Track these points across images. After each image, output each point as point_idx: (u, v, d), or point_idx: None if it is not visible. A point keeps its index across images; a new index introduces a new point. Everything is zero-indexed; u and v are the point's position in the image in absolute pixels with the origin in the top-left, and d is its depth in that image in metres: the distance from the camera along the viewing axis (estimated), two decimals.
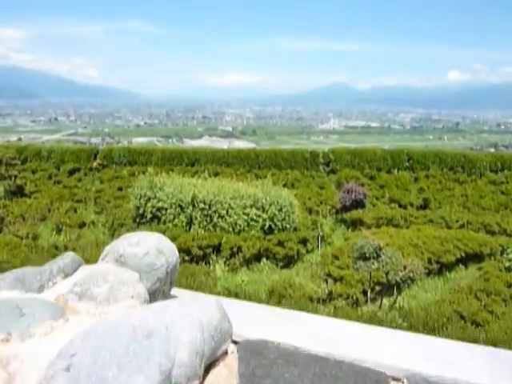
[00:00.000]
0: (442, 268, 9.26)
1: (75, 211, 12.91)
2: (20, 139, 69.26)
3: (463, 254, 9.60)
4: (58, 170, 16.52)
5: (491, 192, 15.07)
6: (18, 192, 13.88)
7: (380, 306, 6.99)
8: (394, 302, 6.95)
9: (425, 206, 14.32)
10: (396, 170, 16.61)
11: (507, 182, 15.81)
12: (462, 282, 8.43)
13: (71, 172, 16.28)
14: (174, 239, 9.64)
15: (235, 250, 9.74)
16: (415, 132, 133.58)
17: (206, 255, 9.72)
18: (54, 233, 11.29)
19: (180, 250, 9.50)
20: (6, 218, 11.34)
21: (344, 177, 15.42)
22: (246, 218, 10.44)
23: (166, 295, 2.22)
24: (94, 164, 16.37)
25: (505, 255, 8.72)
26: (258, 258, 9.79)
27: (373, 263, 6.41)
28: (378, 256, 6.44)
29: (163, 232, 9.88)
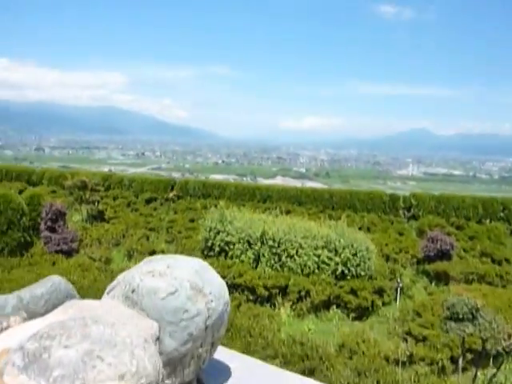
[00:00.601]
0: None
1: (147, 239, 13.15)
2: (110, 170, 75.44)
3: None
4: (137, 198, 17.25)
5: None
6: (99, 217, 14.57)
7: (474, 380, 5.82)
8: (494, 375, 5.74)
9: None
10: (488, 221, 14.88)
11: None
12: None
13: (148, 201, 16.89)
14: (239, 275, 9.23)
15: (303, 293, 9.04)
16: (505, 182, 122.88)
17: (272, 296, 9.13)
18: (126, 258, 11.49)
19: (245, 288, 9.06)
20: (84, 240, 11.82)
21: (427, 224, 14.11)
22: (316, 259, 9.75)
23: (204, 362, 1.41)
24: (171, 195, 16.85)
25: None
26: (327, 305, 8.98)
27: (467, 326, 5.38)
28: (474, 318, 5.40)
29: (230, 267, 9.54)
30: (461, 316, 5.47)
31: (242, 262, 10.13)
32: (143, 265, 1.43)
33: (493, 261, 12.45)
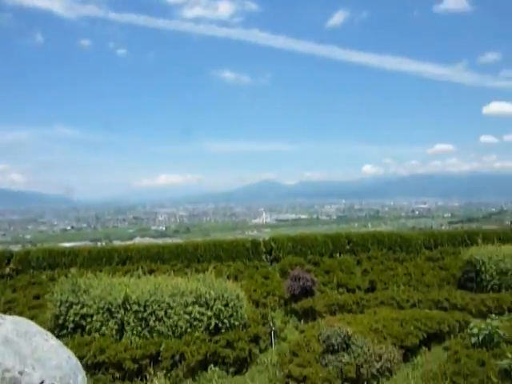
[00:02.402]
0: (406, 353, 8.50)
1: None
2: None
3: (425, 335, 9.02)
4: None
5: (431, 269, 15.20)
6: None
7: None
8: None
9: (372, 288, 13.94)
10: (338, 254, 16.41)
11: (443, 258, 16.19)
12: (433, 367, 7.70)
13: None
14: (101, 352, 8.02)
15: (177, 357, 8.28)
16: (341, 221, 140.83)
17: (142, 368, 8.11)
18: None
19: (109, 365, 7.86)
20: None
21: (288, 264, 14.78)
22: (188, 317, 9.13)
23: None
24: (7, 270, 14.19)
25: (468, 331, 8.26)
26: (204, 364, 8.37)
27: (343, 356, 5.53)
28: (348, 346, 5.59)
29: (88, 344, 8.23)
30: (336, 347, 5.60)
31: (103, 335, 8.87)
32: None
33: (348, 290, 13.62)
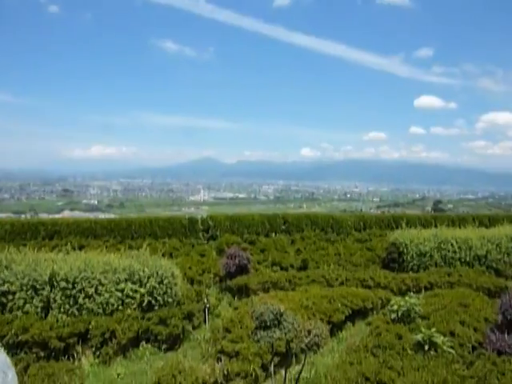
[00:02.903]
0: (333, 328, 9.03)
1: None
2: None
3: (350, 311, 9.61)
4: None
5: (359, 249, 16.13)
6: None
7: (285, 381, 6.22)
8: (300, 372, 6.26)
9: (304, 266, 14.49)
10: (274, 234, 16.83)
11: (370, 240, 17.24)
12: (356, 340, 8.26)
13: None
14: (24, 331, 7.60)
15: (107, 335, 8.07)
16: (278, 201, 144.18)
17: (70, 347, 7.82)
18: None
19: (33, 344, 7.49)
20: None
21: (225, 242, 14.92)
22: (120, 294, 8.90)
23: None
24: None
25: (389, 307, 8.93)
26: (136, 342, 8.26)
27: (275, 332, 5.72)
28: (280, 323, 5.79)
29: (10, 323, 7.76)
30: (268, 323, 5.77)
31: (27, 313, 8.38)
32: None
33: (281, 268, 14.06)
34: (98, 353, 7.87)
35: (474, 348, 7.37)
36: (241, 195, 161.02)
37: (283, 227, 17.31)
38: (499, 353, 6.86)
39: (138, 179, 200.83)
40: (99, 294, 8.79)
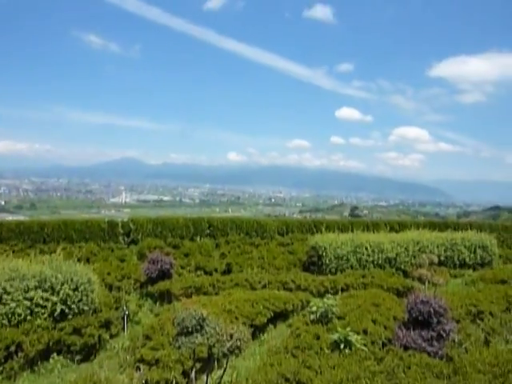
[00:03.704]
0: (255, 331, 9.15)
1: None
2: None
3: (272, 314, 9.82)
4: None
5: (281, 253, 16.58)
6: None
7: None
8: (221, 377, 6.24)
9: (228, 270, 14.54)
10: (199, 238, 16.66)
11: (292, 244, 17.82)
12: (277, 342, 8.45)
13: None
14: None
15: (13, 348, 7.37)
16: (204, 205, 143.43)
17: None
18: None
19: None
20: None
21: (147, 247, 14.44)
22: (28, 303, 8.19)
23: None
24: None
25: (308, 309, 9.27)
26: (46, 354, 7.65)
27: (196, 337, 5.65)
28: (202, 328, 5.73)
29: None
30: (190, 329, 5.69)
31: None
32: None
33: (205, 272, 13.95)
34: (1, 368, 7.15)
35: (384, 344, 7.92)
36: (165, 198, 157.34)
37: (208, 231, 17.22)
38: (406, 348, 7.45)
39: (52, 178, 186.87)
40: (4, 304, 8.01)
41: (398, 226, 20.75)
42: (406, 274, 14.71)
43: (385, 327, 8.53)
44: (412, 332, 7.67)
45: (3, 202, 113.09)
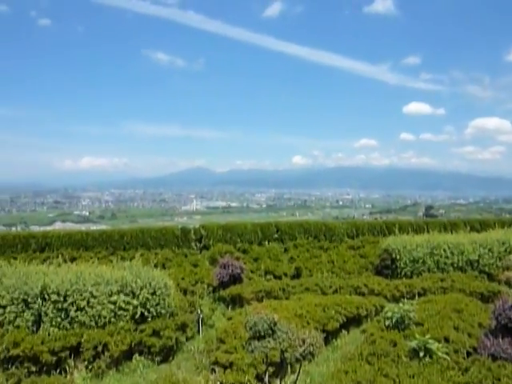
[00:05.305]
0: (327, 336, 9.00)
1: None
2: None
3: (344, 319, 9.60)
4: None
5: (352, 256, 16.14)
6: None
7: None
8: (295, 382, 6.22)
9: (298, 274, 14.48)
10: (267, 242, 16.79)
11: (363, 247, 17.26)
12: (350, 348, 8.23)
13: None
14: (15, 345, 7.48)
15: (100, 348, 7.97)
16: (271, 210, 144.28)
17: (61, 361, 7.70)
18: None
19: (25, 359, 7.37)
20: None
21: (217, 252, 14.85)
22: (112, 306, 8.80)
23: None
24: None
25: (382, 314, 8.93)
26: (129, 354, 8.16)
27: (269, 342, 5.69)
28: (274, 332, 5.76)
29: (1, 337, 7.64)
30: (262, 333, 5.75)
31: (18, 327, 8.25)
32: None
33: (275, 277, 14.03)
34: (90, 366, 7.76)
35: (468, 353, 7.38)
36: (233, 204, 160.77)
37: (276, 235, 17.28)
38: (494, 358, 6.88)
39: (129, 190, 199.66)
40: (91, 307, 8.68)
41: (480, 226, 19.25)
42: (490, 278, 13.61)
43: (469, 335, 7.95)
44: (501, 341, 7.06)
45: (88, 213, 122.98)
